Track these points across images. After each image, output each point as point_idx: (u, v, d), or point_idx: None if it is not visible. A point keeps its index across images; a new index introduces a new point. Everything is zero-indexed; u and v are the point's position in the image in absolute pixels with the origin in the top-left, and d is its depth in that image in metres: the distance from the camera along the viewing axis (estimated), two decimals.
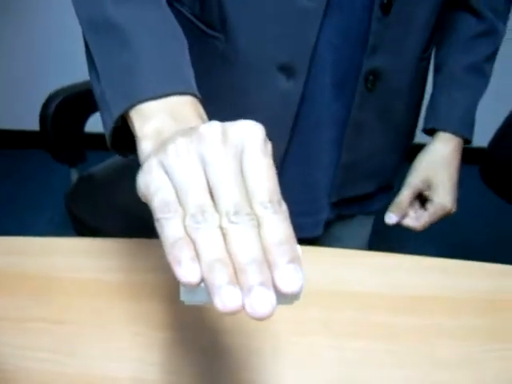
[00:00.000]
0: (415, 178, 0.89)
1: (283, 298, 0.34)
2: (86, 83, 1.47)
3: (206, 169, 0.36)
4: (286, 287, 0.32)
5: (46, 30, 2.33)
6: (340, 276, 0.75)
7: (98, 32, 0.55)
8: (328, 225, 0.92)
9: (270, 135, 0.76)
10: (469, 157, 1.09)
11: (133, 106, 0.48)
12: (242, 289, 0.32)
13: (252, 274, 0.32)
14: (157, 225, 0.36)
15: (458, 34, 0.88)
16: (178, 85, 0.50)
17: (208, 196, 0.35)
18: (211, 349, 0.66)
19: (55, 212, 2.11)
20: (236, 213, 0.34)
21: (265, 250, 0.34)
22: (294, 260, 0.33)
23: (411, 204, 0.91)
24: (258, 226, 0.34)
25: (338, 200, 0.88)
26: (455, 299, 0.74)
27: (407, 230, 0.92)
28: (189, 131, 0.38)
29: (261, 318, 0.32)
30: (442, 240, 1.99)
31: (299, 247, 0.36)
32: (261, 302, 0.32)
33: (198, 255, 0.34)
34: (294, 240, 0.35)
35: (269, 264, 0.33)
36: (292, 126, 0.77)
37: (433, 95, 0.90)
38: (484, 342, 0.69)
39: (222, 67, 0.73)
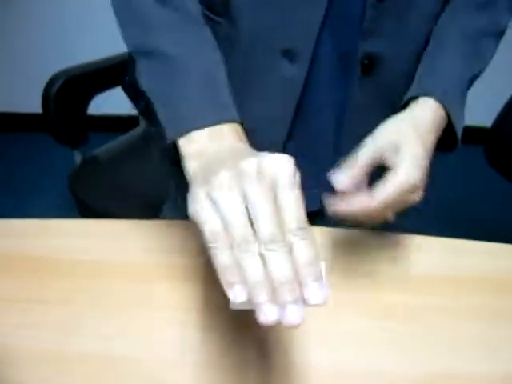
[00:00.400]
0: (381, 137, 0.68)
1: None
2: (88, 65, 1.47)
3: (247, 203, 0.45)
4: (313, 301, 0.43)
5: (47, 11, 2.32)
6: (348, 255, 0.76)
7: (148, 57, 0.64)
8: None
9: (274, 119, 0.77)
10: (472, 137, 1.06)
11: (182, 134, 0.58)
12: (278, 304, 0.42)
13: (286, 293, 0.42)
14: (209, 251, 0.45)
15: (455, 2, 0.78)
16: (222, 115, 0.59)
17: (249, 228, 0.44)
18: (216, 329, 0.67)
19: (57, 195, 2.11)
20: (272, 241, 0.43)
21: (296, 271, 0.43)
22: (318, 278, 0.43)
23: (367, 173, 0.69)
24: (290, 250, 0.43)
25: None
26: (457, 279, 0.74)
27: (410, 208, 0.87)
28: (231, 164, 0.47)
29: (292, 327, 0.42)
30: (446, 219, 1.99)
31: (323, 263, 0.46)
32: (293, 315, 0.42)
33: (244, 277, 0.43)
34: (317, 261, 0.44)
35: (299, 282, 0.43)
36: (295, 111, 0.76)
37: (419, 66, 0.77)
38: (486, 321, 0.69)
39: (226, 52, 0.73)
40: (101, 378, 0.62)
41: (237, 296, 0.43)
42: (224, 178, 0.46)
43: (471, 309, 0.70)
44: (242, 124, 0.60)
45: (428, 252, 0.77)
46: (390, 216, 0.66)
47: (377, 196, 0.62)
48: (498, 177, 1.42)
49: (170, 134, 0.59)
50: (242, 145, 0.57)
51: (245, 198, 0.45)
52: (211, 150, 0.55)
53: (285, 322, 0.42)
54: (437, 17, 0.77)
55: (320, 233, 0.78)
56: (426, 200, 0.67)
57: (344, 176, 0.63)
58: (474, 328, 0.68)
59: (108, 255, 0.74)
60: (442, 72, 0.74)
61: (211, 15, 0.72)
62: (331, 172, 0.64)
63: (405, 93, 0.79)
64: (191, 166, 0.55)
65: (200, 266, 0.73)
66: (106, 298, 0.69)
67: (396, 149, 0.65)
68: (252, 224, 0.44)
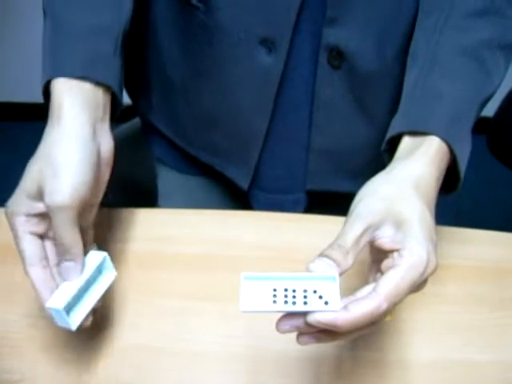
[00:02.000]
0: (369, 208, 0.50)
1: None
2: None
3: None
4: None
5: None
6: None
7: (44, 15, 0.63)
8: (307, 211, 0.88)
9: (253, 111, 0.76)
10: (475, 126, 1.03)
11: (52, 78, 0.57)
12: None
13: None
14: None
15: (445, 8, 0.64)
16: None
17: None
18: (218, 316, 0.66)
19: None
20: None
21: None
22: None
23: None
24: None
25: (314, 190, 0.85)
26: (460, 267, 0.74)
27: None
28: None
29: None
30: (449, 209, 1.99)
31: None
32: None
33: None
34: None
35: None
36: (274, 103, 0.74)
37: (406, 89, 0.63)
38: (489, 310, 0.69)
39: (204, 39, 0.72)
40: (104, 366, 0.62)
41: None
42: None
43: (474, 297, 0.70)
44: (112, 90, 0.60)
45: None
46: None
47: (380, 293, 0.45)
48: (500, 166, 1.41)
49: (46, 74, 0.58)
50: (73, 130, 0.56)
51: None
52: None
53: None
54: (414, 17, 0.66)
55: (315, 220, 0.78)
56: None
57: (327, 261, 0.46)
58: (477, 316, 0.68)
59: (106, 243, 0.73)
60: (442, 100, 0.59)
61: (189, 1, 0.71)
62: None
63: (382, 99, 0.74)
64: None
65: (197, 254, 0.73)
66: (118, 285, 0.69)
67: (397, 223, 0.49)
68: None
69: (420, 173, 0.53)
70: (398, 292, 0.45)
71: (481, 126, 1.50)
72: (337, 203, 0.69)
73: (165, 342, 0.64)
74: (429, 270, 0.47)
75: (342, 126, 0.78)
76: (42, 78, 0.59)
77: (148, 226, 0.76)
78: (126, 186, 1.06)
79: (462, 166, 0.58)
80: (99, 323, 0.65)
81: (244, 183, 0.83)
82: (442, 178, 0.56)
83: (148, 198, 0.97)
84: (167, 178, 0.95)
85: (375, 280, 0.47)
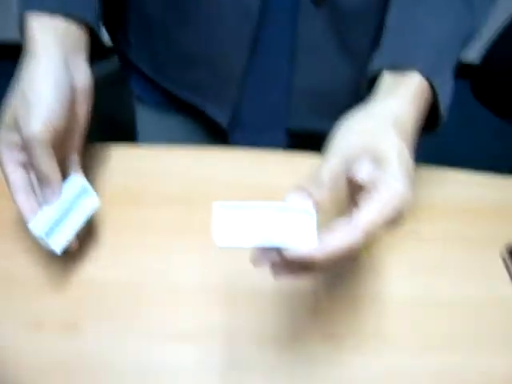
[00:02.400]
0: (347, 142, 0.50)
1: None
2: None
3: None
4: None
5: None
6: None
7: None
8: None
9: (231, 47, 0.74)
10: (459, 71, 1.02)
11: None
12: None
13: None
14: None
15: None
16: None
17: None
18: (195, 252, 0.67)
19: None
20: None
21: None
22: None
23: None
24: None
25: (294, 130, 0.85)
26: (437, 206, 0.74)
27: None
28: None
29: None
30: (430, 152, 2.00)
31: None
32: None
33: None
34: None
35: None
36: (253, 40, 0.73)
37: (388, 24, 0.62)
38: (463, 249, 0.70)
39: None
40: (84, 301, 0.62)
41: None
42: None
43: (449, 236, 0.71)
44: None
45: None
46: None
47: (357, 226, 0.44)
48: (484, 111, 1.41)
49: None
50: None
51: None
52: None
53: None
54: None
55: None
56: None
57: (302, 194, 0.46)
58: (452, 255, 0.69)
59: (93, 179, 0.72)
60: (425, 35, 0.58)
61: None
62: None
63: (358, 29, 0.72)
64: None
65: (173, 191, 0.73)
66: (96, 222, 0.69)
67: (375, 159, 0.48)
68: None
69: (400, 110, 0.52)
70: (375, 226, 0.45)
71: (465, 71, 1.50)
72: (317, 145, 0.64)
73: (144, 277, 0.64)
74: (406, 206, 0.47)
75: (324, 66, 0.76)
76: (18, 14, 0.59)
77: (124, 162, 0.75)
78: (105, 124, 1.04)
79: (444, 103, 0.57)
80: (78, 259, 0.65)
81: (223, 121, 0.82)
82: (422, 116, 0.55)
83: (127, 137, 0.96)
84: (146, 117, 0.94)
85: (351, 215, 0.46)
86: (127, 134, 0.97)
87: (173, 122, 0.92)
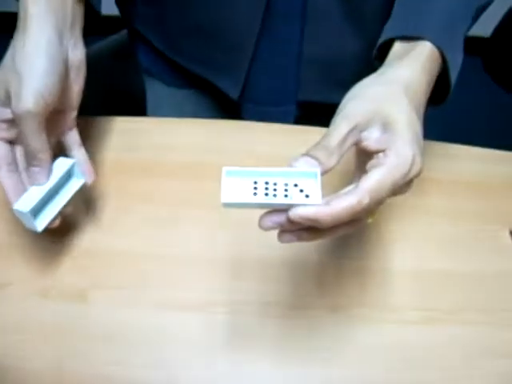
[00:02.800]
0: (357, 108, 0.49)
1: None
2: None
3: None
4: None
5: None
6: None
7: None
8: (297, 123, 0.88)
9: (243, 19, 0.74)
10: (470, 47, 1.00)
11: None
12: None
13: None
14: None
15: None
16: None
17: None
18: (204, 223, 0.67)
19: None
20: None
21: None
22: None
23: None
24: None
25: (304, 101, 0.85)
26: (444, 181, 0.75)
27: None
28: None
29: None
30: (440, 127, 1.99)
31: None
32: None
33: None
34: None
35: None
36: (264, 12, 0.73)
37: None
38: (475, 224, 0.70)
39: None
40: (91, 269, 0.63)
41: None
42: None
43: (458, 210, 0.71)
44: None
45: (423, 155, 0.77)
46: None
47: (362, 188, 0.44)
48: (494, 87, 1.40)
49: None
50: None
51: None
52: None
53: None
54: None
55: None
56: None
57: (310, 160, 0.45)
58: (456, 229, 0.70)
59: (91, 152, 0.73)
60: (437, 5, 0.58)
61: None
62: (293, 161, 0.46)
63: (373, 9, 0.72)
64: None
65: (182, 162, 0.74)
66: (90, 193, 0.69)
67: (385, 125, 0.48)
68: None
69: (410, 77, 0.52)
70: (381, 189, 0.45)
71: (476, 46, 1.48)
72: (326, 116, 0.65)
73: (150, 248, 0.65)
74: (414, 172, 0.47)
75: (334, 37, 0.76)
76: None
77: (133, 135, 0.76)
78: (115, 98, 1.05)
79: (453, 73, 0.57)
80: (87, 229, 0.66)
81: (234, 93, 0.82)
82: (432, 84, 0.55)
83: (137, 110, 0.96)
84: (156, 90, 0.94)
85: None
86: (137, 107, 0.98)
87: (183, 96, 0.92)
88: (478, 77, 1.47)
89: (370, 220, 0.49)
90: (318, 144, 0.46)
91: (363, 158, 0.50)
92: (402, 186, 0.47)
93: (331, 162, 0.46)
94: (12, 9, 2.29)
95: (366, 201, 0.43)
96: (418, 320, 0.61)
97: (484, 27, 1.58)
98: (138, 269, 0.63)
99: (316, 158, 0.45)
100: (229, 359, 0.57)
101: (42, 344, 0.57)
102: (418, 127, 0.49)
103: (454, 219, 0.70)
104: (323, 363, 0.58)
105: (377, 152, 0.47)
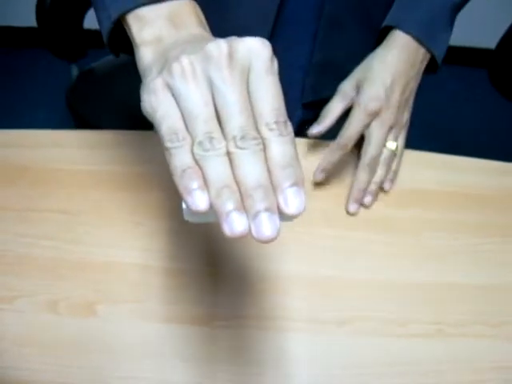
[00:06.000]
0: (347, 82, 0.75)
1: (286, 216, 0.35)
2: None
3: (214, 93, 0.36)
4: (289, 210, 0.34)
5: None
6: (337, 169, 0.76)
7: None
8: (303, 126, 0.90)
9: (253, 28, 0.75)
10: (476, 59, 1.03)
11: (131, 9, 0.47)
12: (248, 213, 0.34)
13: (258, 199, 0.34)
14: (166, 153, 0.37)
15: None
16: None
17: (215, 122, 0.36)
18: (213, 236, 0.67)
19: (54, 110, 2.10)
20: (242, 138, 0.35)
21: (270, 173, 0.35)
22: (298, 183, 0.35)
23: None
24: (264, 148, 0.35)
25: (311, 101, 0.86)
26: (448, 194, 0.75)
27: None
28: (193, 48, 0.38)
29: (266, 241, 0.33)
30: (446, 137, 2.00)
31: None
32: (266, 226, 0.33)
33: (206, 182, 0.35)
34: (297, 162, 0.35)
35: (273, 186, 0.35)
36: (276, 17, 0.74)
37: None
38: (478, 236, 0.71)
39: None
40: (101, 283, 0.63)
41: (197, 204, 0.35)
42: (187, 63, 0.37)
43: (457, 223, 0.72)
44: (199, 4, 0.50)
45: (426, 167, 0.78)
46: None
47: (346, 132, 0.71)
48: (500, 100, 1.41)
49: (117, 8, 0.48)
50: (205, 32, 0.47)
51: (211, 86, 0.36)
52: (170, 35, 0.45)
53: (257, 235, 0.33)
54: None
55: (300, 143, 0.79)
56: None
57: (321, 128, 0.73)
58: (459, 241, 0.70)
59: (106, 165, 0.74)
60: (421, 2, 0.73)
61: None
62: (311, 127, 0.74)
63: (381, 7, 0.76)
64: (146, 53, 0.45)
65: None
66: (107, 207, 0.70)
67: (361, 83, 0.73)
68: (219, 118, 0.36)
69: (385, 52, 0.73)
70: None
71: (482, 58, 1.49)
72: None
73: (159, 261, 0.65)
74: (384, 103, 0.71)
75: (346, 43, 0.79)
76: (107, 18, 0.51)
77: (145, 148, 0.76)
78: (129, 110, 1.05)
79: (439, 54, 0.74)
80: (95, 243, 0.66)
81: None
82: (411, 56, 0.73)
83: (146, 121, 0.97)
84: None
85: None
86: (146, 122, 0.98)
87: None
88: (484, 88, 1.48)
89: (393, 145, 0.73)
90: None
91: None
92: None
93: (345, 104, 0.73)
94: (13, 23, 2.32)
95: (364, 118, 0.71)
96: (425, 333, 0.61)
97: (489, 39, 1.59)
98: (147, 282, 0.63)
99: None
100: (232, 372, 0.57)
101: (50, 357, 0.57)
102: (386, 80, 0.71)
103: (462, 232, 0.70)
104: (331, 379, 0.58)
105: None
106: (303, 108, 0.88)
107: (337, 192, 0.73)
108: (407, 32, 0.72)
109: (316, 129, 0.73)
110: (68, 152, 0.76)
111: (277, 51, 0.76)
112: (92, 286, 0.63)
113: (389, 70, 0.72)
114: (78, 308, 0.61)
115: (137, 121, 1.03)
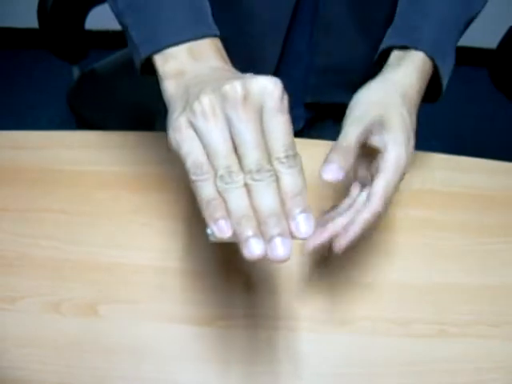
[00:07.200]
0: (366, 113, 0.56)
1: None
2: None
3: (231, 129, 0.41)
4: (300, 235, 0.40)
5: None
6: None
7: None
8: (307, 126, 0.92)
9: (266, 38, 0.76)
10: (477, 59, 1.02)
11: (157, 51, 0.52)
12: (264, 238, 0.39)
13: (272, 225, 0.39)
14: (192, 185, 0.42)
15: None
16: (200, 29, 0.53)
17: (233, 156, 0.41)
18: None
19: (56, 111, 2.10)
20: (258, 171, 0.40)
21: (282, 201, 0.40)
22: (306, 209, 0.40)
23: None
24: (277, 179, 0.40)
25: (313, 102, 0.87)
26: (451, 194, 0.75)
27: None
28: (212, 87, 0.42)
29: (280, 262, 0.39)
30: (447, 137, 1.99)
31: None
32: (280, 249, 0.39)
33: (228, 211, 0.40)
34: (305, 190, 0.41)
35: (285, 213, 0.40)
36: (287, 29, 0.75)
37: (399, 5, 0.69)
38: (485, 236, 0.71)
39: None
40: (103, 284, 0.63)
41: (222, 231, 0.40)
42: (206, 103, 0.41)
43: (460, 223, 0.72)
44: (220, 40, 0.54)
45: (430, 168, 0.78)
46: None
47: (376, 197, 0.53)
48: (502, 99, 1.41)
49: (144, 51, 0.53)
50: (225, 64, 0.52)
51: (229, 123, 0.41)
52: (191, 69, 0.50)
53: (272, 256, 0.39)
54: None
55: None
56: (428, 122, 0.63)
57: (335, 168, 0.50)
58: (462, 241, 0.70)
59: (109, 166, 0.74)
60: (432, 16, 0.65)
61: None
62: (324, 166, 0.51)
63: (383, 17, 0.75)
64: (169, 86, 0.50)
65: None
66: (111, 207, 0.70)
67: (381, 125, 0.56)
68: (237, 151, 0.41)
69: (405, 80, 0.60)
70: (388, 192, 0.54)
71: (483, 58, 1.49)
72: (336, 116, 0.69)
73: (163, 262, 0.65)
74: (406, 168, 0.56)
75: (345, 45, 0.79)
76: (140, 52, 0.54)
77: (150, 149, 0.76)
78: (131, 111, 1.06)
79: (445, 77, 0.65)
80: (98, 244, 0.66)
81: None
82: (424, 85, 0.62)
83: (153, 123, 0.97)
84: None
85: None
86: (153, 120, 0.98)
87: None
88: (485, 88, 1.48)
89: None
90: (337, 148, 0.52)
91: (370, 157, 0.57)
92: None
93: (351, 161, 0.52)
94: (14, 25, 2.32)
95: (380, 209, 0.53)
96: (430, 334, 0.61)
97: (490, 39, 1.59)
98: (149, 283, 0.63)
99: (338, 162, 0.50)
100: (242, 372, 0.58)
101: (53, 358, 0.57)
102: (408, 121, 0.57)
103: (465, 232, 0.70)
104: (334, 378, 0.58)
105: (377, 150, 0.56)
106: (308, 108, 0.88)
107: (337, 192, 0.73)
108: (423, 51, 0.62)
109: (335, 173, 0.51)
110: (70, 153, 0.76)
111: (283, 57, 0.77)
112: (94, 287, 0.63)
113: (412, 119, 0.59)
114: (80, 308, 0.61)
115: (138, 121, 1.04)
